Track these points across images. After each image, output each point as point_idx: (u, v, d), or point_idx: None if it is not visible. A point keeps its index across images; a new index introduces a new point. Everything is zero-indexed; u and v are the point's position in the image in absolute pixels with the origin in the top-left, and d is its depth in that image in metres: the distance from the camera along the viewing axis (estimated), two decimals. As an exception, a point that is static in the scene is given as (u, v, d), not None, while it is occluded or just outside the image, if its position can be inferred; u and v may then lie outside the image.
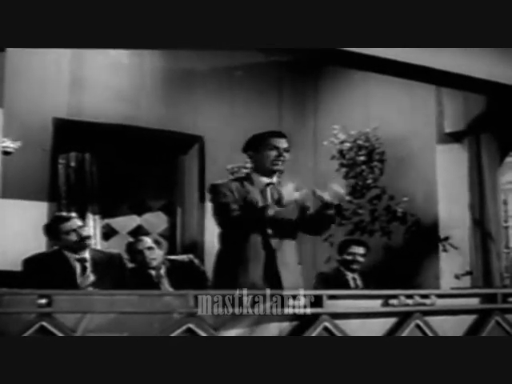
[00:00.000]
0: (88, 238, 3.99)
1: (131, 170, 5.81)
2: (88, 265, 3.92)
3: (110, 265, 4.01)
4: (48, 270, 3.85)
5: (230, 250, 3.39)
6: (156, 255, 4.26)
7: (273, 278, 3.28)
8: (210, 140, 5.92)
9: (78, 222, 3.98)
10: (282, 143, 3.42)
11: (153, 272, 4.23)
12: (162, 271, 4.25)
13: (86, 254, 3.95)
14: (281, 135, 3.46)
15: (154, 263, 4.23)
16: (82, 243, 3.92)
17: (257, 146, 3.44)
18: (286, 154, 3.41)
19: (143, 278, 4.21)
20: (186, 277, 4.24)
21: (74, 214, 4.09)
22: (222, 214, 3.38)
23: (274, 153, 3.39)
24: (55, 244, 4.06)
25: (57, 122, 5.26)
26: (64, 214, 4.28)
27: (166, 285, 4.19)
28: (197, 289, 2.88)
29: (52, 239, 4.11)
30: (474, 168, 5.24)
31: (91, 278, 3.89)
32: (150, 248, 4.25)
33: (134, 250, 4.30)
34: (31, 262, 3.92)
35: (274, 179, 3.46)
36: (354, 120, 5.88)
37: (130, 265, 4.30)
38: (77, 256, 3.91)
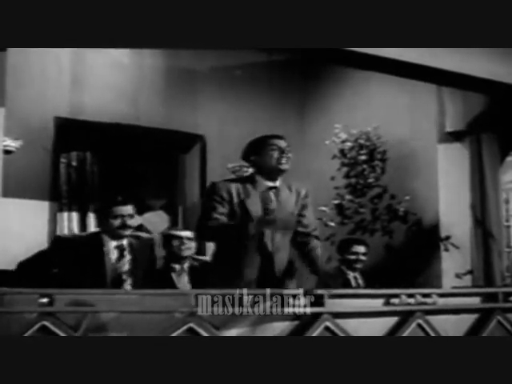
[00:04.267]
0: (131, 227, 3.89)
1: (132, 169, 5.81)
2: (126, 253, 3.84)
3: (143, 251, 3.98)
4: (79, 251, 3.78)
5: (226, 251, 3.38)
6: (191, 247, 4.36)
7: (269, 279, 3.27)
8: (211, 139, 5.92)
9: (130, 211, 3.86)
10: (282, 143, 3.42)
11: (177, 266, 4.31)
12: (186, 266, 4.31)
13: (124, 242, 3.86)
14: (279, 137, 3.46)
15: (186, 253, 4.33)
16: (121, 230, 3.83)
17: (258, 149, 3.43)
18: (289, 153, 3.41)
19: (167, 269, 4.30)
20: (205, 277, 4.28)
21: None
22: (202, 217, 3.41)
23: (277, 152, 3.38)
24: (100, 226, 3.97)
25: (58, 121, 5.26)
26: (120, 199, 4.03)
27: (184, 280, 4.25)
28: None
29: (98, 220, 4.05)
30: (475, 167, 5.23)
31: (126, 266, 3.82)
32: (189, 239, 4.34)
33: (173, 235, 4.39)
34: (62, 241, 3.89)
35: (278, 183, 3.43)
36: (355, 119, 5.87)
37: (162, 252, 4.38)
38: (115, 243, 3.82)
